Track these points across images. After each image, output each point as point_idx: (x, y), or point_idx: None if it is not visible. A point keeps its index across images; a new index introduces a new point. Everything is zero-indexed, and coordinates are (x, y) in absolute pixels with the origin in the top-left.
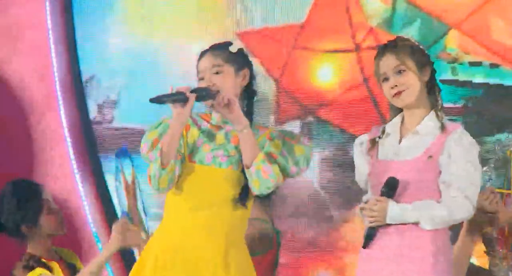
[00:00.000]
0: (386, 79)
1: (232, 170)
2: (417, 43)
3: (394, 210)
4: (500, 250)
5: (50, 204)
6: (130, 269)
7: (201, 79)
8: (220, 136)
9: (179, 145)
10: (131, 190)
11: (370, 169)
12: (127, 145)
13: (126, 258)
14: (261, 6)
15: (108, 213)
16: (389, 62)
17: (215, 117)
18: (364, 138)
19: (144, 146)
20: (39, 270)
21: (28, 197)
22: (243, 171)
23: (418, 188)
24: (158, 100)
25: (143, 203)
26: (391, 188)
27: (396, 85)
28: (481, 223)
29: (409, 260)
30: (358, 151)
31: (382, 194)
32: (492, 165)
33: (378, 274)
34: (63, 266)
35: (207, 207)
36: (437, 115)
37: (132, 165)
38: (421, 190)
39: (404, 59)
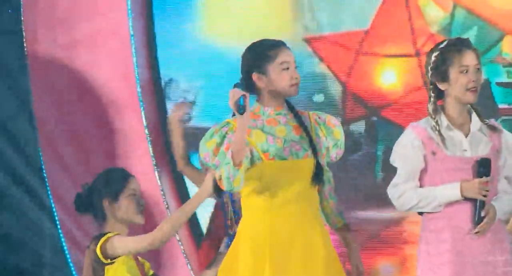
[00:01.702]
0: (466, 71)
1: (308, 158)
2: None
3: (500, 208)
4: None
5: (135, 191)
6: (198, 237)
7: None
8: (281, 128)
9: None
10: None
11: (434, 165)
12: None
13: (193, 228)
14: (328, 13)
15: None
16: (472, 58)
17: (267, 111)
18: (412, 135)
19: (206, 155)
20: (110, 234)
21: (116, 177)
22: (314, 155)
23: (491, 182)
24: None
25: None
26: (486, 167)
27: (474, 81)
28: None
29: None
30: (412, 146)
31: (480, 174)
32: None
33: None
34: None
35: (297, 198)
36: (478, 114)
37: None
38: (492, 185)
39: (479, 60)
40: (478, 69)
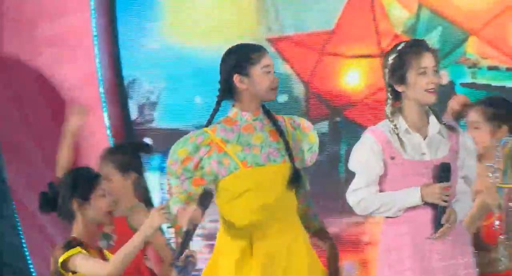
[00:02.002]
0: (424, 73)
1: (286, 163)
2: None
3: (459, 212)
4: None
5: (105, 192)
6: None
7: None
8: (257, 135)
9: (210, 173)
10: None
11: (392, 169)
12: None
13: None
14: (292, 13)
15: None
16: (430, 59)
17: (244, 117)
18: (371, 139)
19: (174, 162)
20: (79, 248)
21: (85, 175)
22: (291, 160)
23: (454, 182)
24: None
25: None
26: (447, 172)
27: (435, 83)
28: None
29: (461, 251)
30: (371, 150)
31: (440, 180)
32: (496, 159)
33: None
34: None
35: (277, 203)
36: (436, 115)
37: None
38: (454, 185)
39: (437, 61)
40: (436, 70)
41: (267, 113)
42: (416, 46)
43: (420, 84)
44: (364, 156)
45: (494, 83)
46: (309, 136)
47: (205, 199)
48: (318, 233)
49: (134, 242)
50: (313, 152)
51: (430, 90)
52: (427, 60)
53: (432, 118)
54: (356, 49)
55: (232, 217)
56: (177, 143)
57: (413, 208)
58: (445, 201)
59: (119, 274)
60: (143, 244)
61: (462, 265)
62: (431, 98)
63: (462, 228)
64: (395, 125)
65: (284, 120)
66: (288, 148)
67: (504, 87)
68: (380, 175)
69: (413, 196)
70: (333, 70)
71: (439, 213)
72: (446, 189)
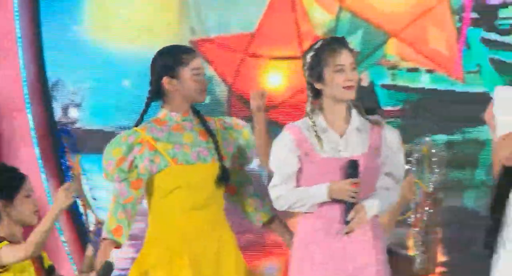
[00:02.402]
0: (341, 70)
1: (215, 162)
2: None
3: (370, 208)
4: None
5: (30, 192)
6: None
7: None
8: (188, 134)
9: (144, 171)
10: (77, 173)
11: (307, 166)
12: (89, 144)
13: (79, 229)
14: (215, 15)
15: (71, 211)
16: (347, 56)
17: (173, 117)
18: (287, 136)
19: (109, 163)
20: (5, 242)
21: (10, 177)
22: (219, 159)
23: (369, 180)
24: None
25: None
26: (355, 169)
27: (352, 80)
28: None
29: (371, 248)
30: (285, 147)
31: (348, 176)
32: (415, 158)
33: (341, 266)
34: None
35: (208, 202)
36: (359, 111)
37: (78, 153)
38: (371, 182)
39: (355, 58)
40: (354, 67)
41: (197, 114)
42: (332, 44)
43: (337, 81)
44: (280, 153)
45: (413, 85)
46: (243, 133)
47: (106, 272)
48: (268, 222)
49: (44, 223)
50: (251, 148)
51: (347, 87)
52: (344, 58)
53: (354, 115)
54: (278, 51)
55: (163, 214)
56: (110, 144)
57: (327, 203)
58: (353, 198)
59: (37, 253)
60: (53, 224)
61: (374, 260)
62: (349, 95)
63: (376, 223)
64: (313, 122)
65: (214, 121)
66: (217, 148)
67: (423, 88)
68: (296, 171)
69: (321, 192)
70: (255, 71)
71: (347, 209)
72: (354, 186)
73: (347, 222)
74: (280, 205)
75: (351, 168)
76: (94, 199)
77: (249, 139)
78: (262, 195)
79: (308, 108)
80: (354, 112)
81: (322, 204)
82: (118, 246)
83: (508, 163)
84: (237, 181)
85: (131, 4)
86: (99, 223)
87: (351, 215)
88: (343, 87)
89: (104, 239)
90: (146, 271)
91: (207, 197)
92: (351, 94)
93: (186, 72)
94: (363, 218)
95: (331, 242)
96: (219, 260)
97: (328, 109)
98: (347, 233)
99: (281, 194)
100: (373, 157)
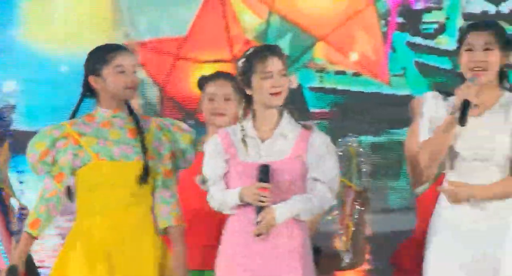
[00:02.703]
0: (269, 77)
1: (139, 160)
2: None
3: (280, 212)
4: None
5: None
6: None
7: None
8: (115, 131)
9: (66, 163)
10: (2, 160)
11: (231, 170)
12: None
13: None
14: (147, 19)
15: None
16: (275, 63)
17: (103, 114)
18: (217, 140)
19: (33, 156)
20: None
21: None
22: (144, 158)
23: (289, 185)
24: None
25: None
26: (266, 174)
27: (279, 86)
28: None
29: (287, 252)
30: (214, 151)
31: (259, 181)
32: (342, 156)
33: (254, 266)
34: None
35: (131, 200)
36: (292, 116)
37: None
38: (291, 187)
39: (286, 65)
40: (283, 74)
41: (131, 112)
42: (262, 51)
43: (264, 87)
44: (210, 156)
45: (340, 87)
46: (183, 137)
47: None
48: (165, 231)
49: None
50: (190, 152)
51: (274, 93)
52: (272, 64)
53: (283, 120)
54: (209, 54)
55: (86, 211)
56: (34, 137)
57: (243, 206)
58: (262, 201)
59: None
60: None
61: (285, 264)
62: (276, 101)
63: (299, 226)
64: (242, 127)
65: (151, 120)
66: (143, 147)
67: (350, 91)
68: (224, 174)
69: (234, 196)
70: (187, 74)
71: (257, 213)
72: (262, 190)
73: (257, 224)
74: (212, 206)
75: (261, 173)
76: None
77: (190, 144)
78: (174, 203)
79: (239, 113)
80: (284, 117)
81: (240, 206)
82: (34, 238)
83: (426, 168)
84: (157, 184)
85: (65, 8)
86: (22, 209)
87: (258, 218)
88: (270, 94)
89: (24, 232)
90: (67, 265)
91: (129, 195)
92: (278, 100)
93: (108, 70)
94: (271, 221)
95: (250, 244)
96: (136, 264)
97: (259, 115)
98: (258, 235)
99: (211, 195)
100: (296, 162)
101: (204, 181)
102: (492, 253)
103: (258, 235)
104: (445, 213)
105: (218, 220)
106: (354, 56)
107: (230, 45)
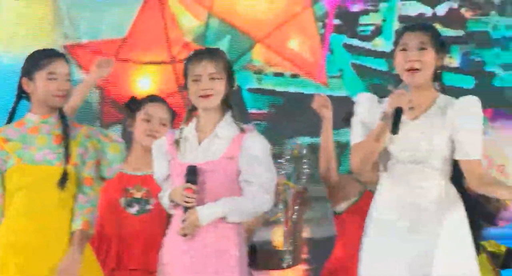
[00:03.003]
0: (198, 80)
1: (61, 166)
2: (226, 55)
3: (203, 213)
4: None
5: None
6: None
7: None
8: (41, 137)
9: None
10: None
11: (171, 170)
12: None
13: None
14: (87, 21)
15: None
16: (205, 67)
17: (32, 118)
18: (162, 142)
19: None
20: None
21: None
22: (65, 164)
23: (220, 187)
24: None
25: None
26: (193, 175)
27: (208, 89)
28: None
29: (215, 251)
30: (158, 153)
31: (187, 181)
32: (287, 159)
33: (182, 265)
34: None
35: (48, 206)
36: (233, 118)
37: None
38: (223, 189)
39: (220, 68)
40: (213, 78)
41: (62, 119)
42: (195, 55)
43: (193, 90)
44: (155, 157)
45: (279, 88)
46: (112, 147)
47: None
48: (72, 235)
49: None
50: (117, 163)
51: (203, 96)
52: (201, 68)
53: (223, 122)
54: (148, 56)
55: (13, 211)
56: None
57: (176, 207)
58: (188, 202)
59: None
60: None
61: (214, 263)
62: (204, 103)
63: (225, 227)
64: (181, 129)
65: (81, 128)
66: (66, 153)
67: (288, 92)
68: (168, 175)
69: (166, 195)
70: (126, 76)
71: (184, 213)
72: (189, 191)
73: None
74: (162, 206)
75: (188, 174)
76: None
77: (117, 154)
78: (89, 208)
79: (185, 114)
80: (225, 119)
81: (177, 207)
82: None
83: (357, 170)
84: (78, 189)
85: (4, 10)
86: None
87: (182, 218)
88: (199, 96)
89: None
90: None
91: (54, 199)
92: (207, 103)
93: (41, 76)
94: (194, 222)
95: (175, 242)
96: (51, 258)
97: (201, 116)
98: (183, 235)
99: (159, 196)
100: (228, 163)
101: None
102: (424, 252)
103: (184, 235)
104: (378, 214)
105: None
106: (292, 58)
107: (169, 47)
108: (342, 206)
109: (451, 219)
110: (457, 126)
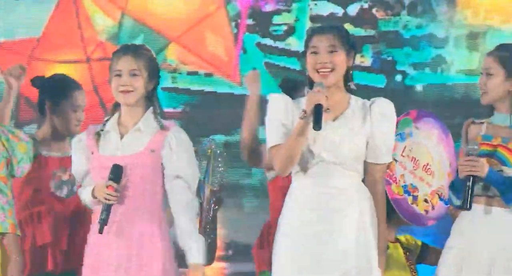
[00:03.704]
0: (119, 75)
1: None
2: (151, 52)
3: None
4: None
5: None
6: None
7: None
8: None
9: None
10: None
11: (92, 164)
12: None
13: None
14: (1, 21)
15: None
16: (127, 63)
17: None
18: (82, 136)
19: None
20: None
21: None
22: None
23: (141, 177)
24: None
25: None
26: (116, 173)
27: (126, 85)
28: None
29: (138, 244)
30: (77, 148)
31: (110, 179)
32: (202, 157)
33: (107, 259)
34: None
35: None
36: (154, 114)
37: None
38: (145, 179)
39: (140, 65)
40: (135, 74)
41: None
42: (118, 51)
43: (114, 85)
44: (73, 152)
45: (193, 87)
46: (18, 146)
47: None
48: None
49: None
50: (24, 162)
51: (122, 91)
52: (122, 64)
53: (145, 117)
54: (63, 55)
55: None
56: None
57: (100, 202)
58: (108, 200)
59: None
60: None
61: (134, 263)
62: (123, 99)
63: (147, 222)
64: (104, 124)
65: None
66: None
67: (203, 91)
68: (86, 169)
69: (88, 191)
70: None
71: (102, 210)
72: (110, 189)
73: (100, 221)
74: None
75: (111, 172)
76: None
77: (25, 153)
78: (10, 210)
79: (110, 109)
80: (146, 114)
81: (97, 203)
82: None
83: (283, 171)
84: None
85: None
86: None
87: (101, 215)
88: (119, 91)
89: None
90: None
91: None
92: (127, 99)
93: None
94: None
95: (103, 239)
96: None
97: (123, 111)
98: (99, 232)
99: (79, 191)
100: (149, 157)
101: None
102: (340, 253)
103: (100, 232)
104: (294, 214)
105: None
106: (206, 57)
107: (83, 46)
108: (272, 174)
109: (364, 220)
110: (374, 130)
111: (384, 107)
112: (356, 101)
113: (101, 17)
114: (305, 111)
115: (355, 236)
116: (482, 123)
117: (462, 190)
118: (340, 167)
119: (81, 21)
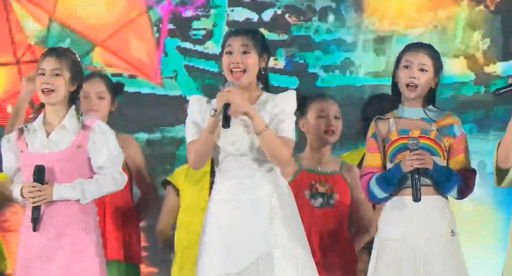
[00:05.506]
0: (43, 74)
1: None
2: (75, 55)
3: (56, 192)
4: None
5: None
6: None
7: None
8: None
9: None
10: None
11: (23, 162)
12: None
13: None
14: None
15: None
16: (50, 63)
17: None
18: (11, 136)
19: None
20: None
21: None
22: None
23: (70, 173)
24: None
25: None
26: (39, 174)
27: (48, 83)
28: None
29: (66, 235)
30: (6, 147)
31: (34, 180)
32: None
33: (36, 252)
34: None
35: None
36: (76, 111)
37: None
38: (73, 174)
39: (63, 66)
40: (56, 74)
41: None
42: (46, 51)
43: (37, 84)
44: (3, 151)
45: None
46: None
47: None
48: None
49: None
50: None
51: (44, 91)
52: (45, 63)
53: (68, 115)
54: None
55: None
56: None
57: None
58: (35, 201)
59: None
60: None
61: (64, 254)
62: (44, 98)
63: (75, 212)
64: (30, 122)
65: None
66: None
67: (127, 92)
68: (16, 167)
69: (17, 189)
70: None
71: (31, 211)
72: (35, 191)
73: (32, 221)
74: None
75: (34, 173)
76: None
77: None
78: None
79: (34, 109)
80: (69, 113)
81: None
82: None
83: (195, 165)
84: None
85: None
86: None
87: (32, 215)
88: (41, 90)
89: None
90: None
91: None
92: (47, 98)
93: None
94: (47, 197)
95: (30, 236)
96: None
97: (48, 110)
98: (34, 231)
99: (11, 189)
100: (76, 153)
101: None
102: (261, 244)
103: (34, 230)
104: (215, 209)
105: None
106: (129, 60)
107: (14, 50)
108: None
109: (282, 212)
110: (274, 113)
111: (284, 94)
112: (264, 96)
113: (30, 21)
114: (215, 110)
115: (266, 224)
116: (388, 118)
117: (396, 184)
118: (246, 158)
119: (12, 25)
